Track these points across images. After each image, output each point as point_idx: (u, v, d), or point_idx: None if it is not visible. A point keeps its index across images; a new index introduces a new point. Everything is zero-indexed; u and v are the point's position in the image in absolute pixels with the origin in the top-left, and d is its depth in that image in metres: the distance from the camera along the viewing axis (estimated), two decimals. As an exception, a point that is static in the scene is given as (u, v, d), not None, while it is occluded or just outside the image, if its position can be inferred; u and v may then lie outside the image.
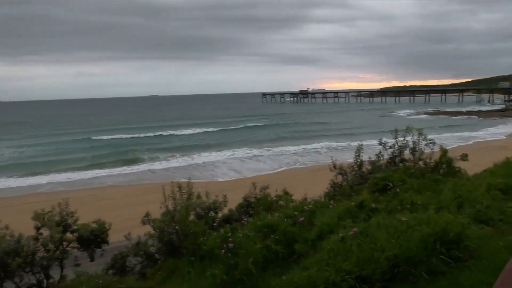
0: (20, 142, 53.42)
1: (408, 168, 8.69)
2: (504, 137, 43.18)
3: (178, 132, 61.57)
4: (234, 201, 9.42)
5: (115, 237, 8.89)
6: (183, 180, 8.02)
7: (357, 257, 3.62)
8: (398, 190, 6.17)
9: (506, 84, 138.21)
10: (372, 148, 11.06)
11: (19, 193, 25.56)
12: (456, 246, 3.69)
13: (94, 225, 7.16)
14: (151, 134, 58.67)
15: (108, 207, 19.20)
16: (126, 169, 32.21)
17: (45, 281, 6.28)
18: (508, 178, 6.77)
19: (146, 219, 6.95)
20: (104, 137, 55.10)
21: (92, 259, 7.08)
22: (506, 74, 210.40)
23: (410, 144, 9.79)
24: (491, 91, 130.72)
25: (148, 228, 7.35)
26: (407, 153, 9.87)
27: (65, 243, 6.53)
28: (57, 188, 26.53)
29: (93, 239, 6.93)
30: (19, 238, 5.98)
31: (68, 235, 6.70)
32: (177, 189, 7.06)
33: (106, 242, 7.22)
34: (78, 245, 6.77)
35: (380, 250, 3.61)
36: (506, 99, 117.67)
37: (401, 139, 9.72)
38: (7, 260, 5.61)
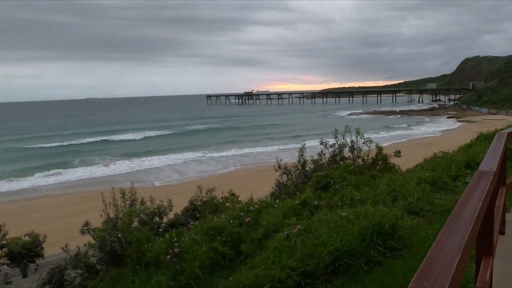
0: None
1: (348, 165, 9.13)
2: (433, 134, 46.89)
3: (119, 137, 58.98)
4: (180, 205, 9.25)
5: (52, 250, 8.33)
6: (125, 186, 7.74)
7: (301, 253, 3.73)
8: (338, 186, 6.45)
9: (433, 85, 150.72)
10: (315, 147, 11.46)
11: None
12: (391, 237, 3.95)
13: (26, 238, 6.63)
14: (89, 140, 55.59)
15: (43, 219, 17.89)
16: (60, 178, 30.19)
17: (-30, 303, 5.72)
18: (435, 171, 7.37)
19: (86, 229, 6.58)
20: (36, 145, 51.25)
21: (25, 275, 6.56)
22: (433, 76, 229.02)
23: (349, 143, 10.29)
24: (421, 92, 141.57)
25: (88, 238, 6.98)
26: (346, 152, 10.35)
27: (-7, 260, 5.99)
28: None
29: (26, 253, 6.43)
30: None
31: (-3, 251, 6.15)
32: (120, 195, 6.79)
33: (41, 255, 6.73)
34: (9, 261, 6.24)
35: (322, 245, 3.76)
36: (434, 99, 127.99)
37: (341, 138, 10.17)
38: None
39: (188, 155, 38.93)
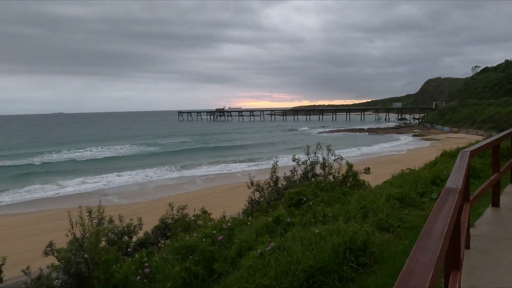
0: None
1: (320, 182, 9.25)
2: (400, 151, 48.44)
3: (84, 153, 57.22)
4: (150, 223, 9.01)
5: (11, 273, 7.86)
6: (92, 204, 7.46)
7: (275, 271, 3.72)
8: (311, 203, 6.51)
9: (398, 104, 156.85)
10: (287, 164, 11.56)
11: None
12: (363, 253, 4.01)
13: (-17, 261, 6.22)
14: (52, 155, 53.56)
15: (1, 239, 16.90)
16: (20, 196, 28.75)
17: None
18: (403, 188, 7.61)
19: (50, 249, 6.25)
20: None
21: (-20, 301, 6.12)
22: (399, 95, 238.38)
23: (321, 160, 10.46)
24: (387, 110, 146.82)
25: (51, 260, 6.64)
26: (318, 168, 10.50)
27: None
28: None
29: (-18, 277, 6.02)
30: None
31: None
32: (87, 214, 6.53)
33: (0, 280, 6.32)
34: (-37, 287, 5.81)
35: (296, 262, 3.76)
36: (400, 117, 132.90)
37: (312, 155, 10.32)
38: None
39: (158, 172, 38.18)
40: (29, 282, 6.53)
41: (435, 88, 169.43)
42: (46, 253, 6.38)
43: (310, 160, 10.40)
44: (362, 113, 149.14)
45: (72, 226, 6.13)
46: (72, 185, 32.30)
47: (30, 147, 65.08)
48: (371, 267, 3.95)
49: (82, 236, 6.08)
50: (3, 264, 6.42)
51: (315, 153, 10.52)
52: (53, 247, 6.26)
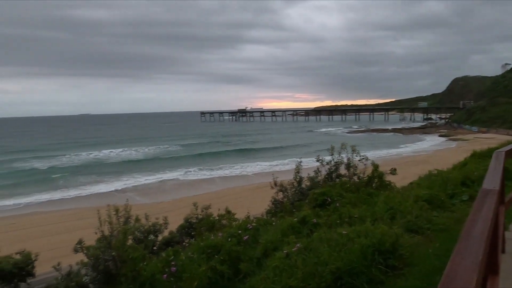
0: None
1: (344, 183, 9.12)
2: (426, 152, 47.27)
3: (108, 154, 58.61)
4: (174, 222, 9.12)
5: (42, 269, 8.12)
6: (119, 203, 7.62)
7: (302, 272, 3.68)
8: (338, 204, 6.42)
9: (424, 104, 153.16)
10: (311, 164, 11.47)
11: None
12: (392, 256, 3.91)
13: (17, 256, 6.47)
14: (83, 156, 55.15)
15: (32, 236, 17.52)
16: (52, 194, 29.75)
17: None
18: (431, 189, 7.39)
19: (79, 247, 6.43)
20: (27, 162, 50.62)
21: (15, 295, 6.37)
22: (424, 94, 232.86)
23: (345, 160, 10.31)
24: (412, 110, 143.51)
25: (81, 257, 6.82)
26: (342, 169, 10.35)
27: (-18, 279, 5.81)
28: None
29: (17, 272, 6.25)
30: None
31: (-14, 270, 5.98)
32: (114, 212, 6.68)
33: (32, 274, 6.55)
34: (-1, 281, 6.06)
35: (323, 264, 3.71)
36: (425, 117, 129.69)
37: (337, 155, 10.18)
38: None
39: (182, 172, 38.68)
40: (59, 278, 6.75)
41: (462, 87, 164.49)
42: (75, 250, 6.57)
43: (335, 161, 10.26)
44: (386, 113, 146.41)
45: (100, 224, 6.29)
46: (98, 185, 33.17)
47: (60, 148, 67.17)
48: (400, 270, 3.85)
49: (110, 234, 6.23)
50: (35, 260, 6.65)
51: (340, 153, 10.38)
52: (82, 244, 6.44)
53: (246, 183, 31.60)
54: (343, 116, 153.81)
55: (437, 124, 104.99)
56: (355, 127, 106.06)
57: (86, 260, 6.49)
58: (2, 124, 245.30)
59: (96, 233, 6.43)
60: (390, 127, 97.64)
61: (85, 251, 6.45)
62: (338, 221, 5.51)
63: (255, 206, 14.22)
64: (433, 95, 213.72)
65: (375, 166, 9.57)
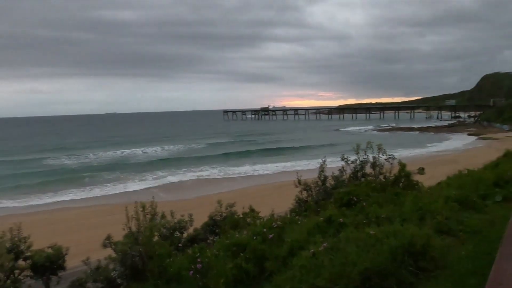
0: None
1: (370, 182, 8.95)
2: (454, 151, 45.89)
3: (136, 151, 59.90)
4: (198, 220, 9.20)
5: (72, 263, 8.37)
6: (145, 200, 7.75)
7: (329, 272, 3.62)
8: (364, 204, 6.31)
9: (452, 102, 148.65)
10: (335, 164, 11.31)
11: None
12: (423, 257, 3.81)
13: (49, 250, 6.68)
14: (110, 154, 56.58)
15: (63, 231, 18.11)
16: (81, 191, 30.67)
17: (-6, 314, 5.76)
18: (462, 190, 7.16)
19: (108, 242, 6.59)
20: (57, 160, 52.37)
21: (47, 287, 6.59)
22: (452, 92, 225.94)
23: (371, 159, 10.11)
24: (439, 108, 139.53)
25: (108, 252, 6.98)
26: (368, 168, 10.17)
27: (17, 272, 6.03)
28: (4, 211, 24.71)
29: (49, 265, 6.46)
30: (-36, 269, 5.46)
31: (21, 262, 6.20)
32: (141, 209, 6.79)
33: (63, 268, 6.76)
34: (32, 273, 6.28)
35: (351, 264, 3.65)
36: (453, 115, 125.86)
37: (362, 154, 10.01)
38: (-51, 293, 5.09)
39: (205, 170, 39.07)
40: (88, 272, 6.94)
41: (492, 84, 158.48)
42: (104, 245, 6.74)
43: (360, 160, 10.09)
44: (412, 111, 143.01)
45: (128, 220, 6.41)
46: (125, 182, 33.96)
47: (89, 147, 69.13)
48: (431, 272, 3.74)
49: (137, 230, 6.34)
50: (66, 254, 6.86)
51: (365, 152, 10.19)
52: (110, 240, 6.59)
53: (269, 182, 31.60)
54: (367, 114, 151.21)
55: (466, 122, 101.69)
56: (379, 125, 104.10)
57: (114, 255, 6.64)
58: (34, 123, 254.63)
59: (123, 229, 6.55)
60: (416, 126, 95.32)
61: (113, 247, 6.61)
62: (364, 221, 5.41)
63: (279, 205, 14.15)
64: (462, 92, 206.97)
65: (402, 165, 9.35)
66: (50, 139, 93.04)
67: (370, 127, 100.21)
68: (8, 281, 5.85)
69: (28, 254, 6.35)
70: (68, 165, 46.85)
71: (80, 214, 22.98)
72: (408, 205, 6.14)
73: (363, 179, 9.95)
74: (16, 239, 6.27)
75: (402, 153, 39.79)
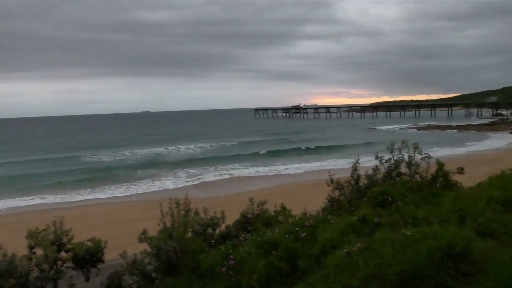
0: (7, 160, 52.56)
1: (406, 182, 8.73)
2: (496, 151, 43.73)
3: (170, 149, 61.33)
4: (230, 217, 9.31)
5: (109, 256, 8.70)
6: (179, 197, 7.91)
7: (364, 273, 3.56)
8: (400, 204, 6.15)
9: (493, 98, 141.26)
10: (368, 163, 11.09)
11: (8, 211, 25.03)
12: (463, 260, 3.65)
13: (89, 243, 6.98)
14: (145, 152, 58.24)
15: (100, 225, 18.85)
16: (118, 187, 31.79)
17: (38, 302, 6.09)
18: (505, 191, 6.81)
19: (143, 237, 6.79)
20: (95, 156, 54.49)
21: (87, 279, 6.88)
22: (493, 88, 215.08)
23: (406, 158, 9.84)
24: (479, 105, 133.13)
25: (144, 246, 7.19)
26: (403, 167, 9.91)
27: (59, 263, 6.35)
28: (47, 206, 26.04)
29: (89, 258, 6.75)
30: (13, 258, 5.80)
31: (63, 254, 6.52)
32: (175, 205, 6.95)
33: (102, 261, 7.03)
34: (73, 265, 6.58)
35: (387, 265, 3.56)
36: (494, 113, 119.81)
37: (397, 153, 9.76)
38: (0, 281, 5.42)
39: (236, 168, 39.40)
40: (125, 265, 7.18)
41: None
42: (140, 240, 6.95)
43: (395, 158, 9.84)
44: (450, 108, 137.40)
45: (162, 216, 6.58)
46: (159, 179, 34.86)
47: (125, 145, 71.48)
48: (472, 276, 3.58)
49: (171, 226, 6.50)
50: (104, 247, 7.13)
51: (400, 151, 9.93)
52: (146, 234, 6.79)
53: (300, 180, 31.43)
54: (402, 112, 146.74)
55: (509, 120, 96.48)
56: (415, 123, 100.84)
57: (149, 249, 6.84)
58: (73, 122, 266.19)
59: (158, 225, 6.74)
60: (454, 124, 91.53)
61: (148, 241, 6.80)
62: (400, 221, 5.27)
63: (310, 203, 14.05)
64: (504, 88, 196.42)
65: (440, 165, 9.04)
66: (88, 137, 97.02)
67: (405, 125, 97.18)
68: (52, 272, 6.16)
69: (70, 246, 6.66)
70: (105, 162, 48.66)
71: (117, 209, 23.84)
72: (447, 206, 5.93)
73: (398, 178, 9.72)
74: (58, 232, 6.59)
75: (439, 152, 38.40)
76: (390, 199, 6.86)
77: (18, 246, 6.51)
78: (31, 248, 6.31)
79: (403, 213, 5.65)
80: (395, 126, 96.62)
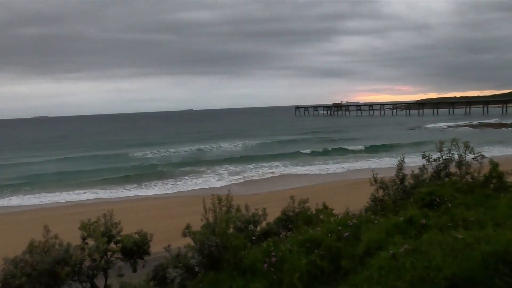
0: (63, 156, 56.02)
1: (455, 182, 8.30)
2: (556, 151, 40.43)
3: (212, 146, 62.54)
4: (270, 214, 9.34)
5: (155, 249, 9.04)
6: (219, 193, 8.05)
7: (411, 275, 3.43)
8: (450, 205, 5.87)
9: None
10: (413, 163, 10.69)
11: (65, 204, 26.76)
12: (521, 267, 3.42)
13: (136, 236, 7.29)
14: (188, 149, 59.78)
15: (146, 219, 19.60)
16: (163, 183, 32.92)
17: (90, 290, 6.46)
18: None
19: (187, 231, 6.98)
20: (140, 153, 56.66)
21: (134, 270, 7.19)
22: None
23: (456, 157, 9.37)
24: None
25: (187, 240, 7.39)
26: (452, 167, 9.44)
27: (109, 253, 6.68)
28: (98, 200, 27.53)
29: (136, 250, 7.05)
30: (68, 248, 6.19)
31: (112, 245, 6.85)
32: (217, 201, 7.07)
33: (148, 253, 7.32)
34: (121, 256, 6.91)
35: (436, 268, 3.41)
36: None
37: (446, 152, 9.31)
38: (56, 268, 5.81)
39: (276, 166, 39.42)
40: (169, 258, 7.43)
41: None
42: (184, 234, 7.14)
43: (444, 158, 9.39)
44: (505, 105, 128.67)
45: (205, 212, 6.72)
46: (201, 175, 35.69)
47: (168, 142, 73.78)
48: (531, 284, 3.35)
49: (214, 221, 6.62)
50: (150, 240, 7.42)
51: (449, 150, 9.46)
52: (190, 229, 6.97)
53: (341, 179, 30.89)
54: (451, 109, 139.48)
55: None
56: (465, 121, 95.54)
57: (192, 244, 7.02)
58: (120, 120, 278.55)
59: (201, 220, 6.89)
60: (509, 122, 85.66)
61: (192, 236, 6.98)
62: (449, 224, 5.03)
63: (352, 203, 13.76)
64: None
65: (494, 165, 8.51)
66: (134, 135, 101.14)
67: (454, 123, 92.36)
68: (102, 262, 6.51)
69: (119, 238, 6.99)
70: (150, 159, 50.55)
71: (161, 205, 24.70)
72: (502, 209, 5.57)
73: (446, 178, 9.28)
74: (108, 224, 6.94)
75: (492, 152, 36.13)
76: (438, 200, 6.56)
77: (73, 236, 6.93)
78: (84, 238, 6.71)
79: (453, 215, 5.39)
80: (443, 124, 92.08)
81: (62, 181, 35.53)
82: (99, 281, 6.75)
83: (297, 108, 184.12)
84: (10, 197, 29.65)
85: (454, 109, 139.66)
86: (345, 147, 53.69)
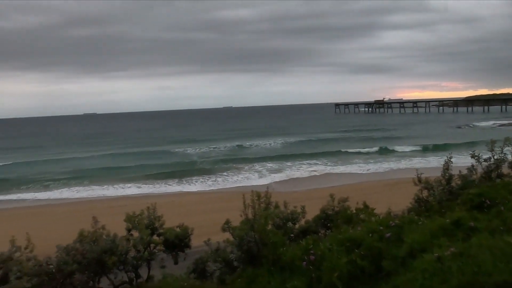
0: (107, 152, 58.70)
1: (508, 184, 7.82)
2: None
3: (251, 143, 62.96)
4: (309, 212, 9.26)
5: (195, 242, 9.26)
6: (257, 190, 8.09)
7: (458, 280, 3.29)
8: (502, 208, 5.54)
9: None
10: (460, 163, 10.17)
11: (108, 197, 28.14)
12: None
13: (178, 229, 7.51)
14: (228, 145, 60.63)
15: (186, 213, 20.14)
16: (203, 179, 33.67)
17: (135, 279, 6.73)
18: None
19: (226, 226, 7.10)
20: (181, 149, 58.17)
21: (176, 263, 7.41)
22: None
23: (509, 157, 8.82)
24: None
25: (227, 235, 7.51)
26: (505, 168, 8.90)
27: (152, 245, 6.93)
28: (141, 194, 28.65)
29: (178, 243, 7.27)
30: (114, 238, 6.49)
31: (155, 237, 7.10)
32: (256, 198, 7.12)
33: (189, 246, 7.52)
34: (164, 248, 7.14)
35: (485, 274, 3.25)
36: None
37: (498, 152, 8.79)
38: (104, 257, 6.11)
39: (315, 164, 39.04)
40: (209, 252, 7.59)
41: None
42: (223, 229, 7.27)
43: (495, 158, 8.87)
44: None
45: (245, 208, 6.79)
46: (240, 172, 36.10)
47: (209, 139, 75.17)
48: None
49: (253, 217, 6.68)
50: (191, 234, 7.61)
51: (502, 149, 8.92)
52: (229, 224, 7.09)
53: (383, 178, 30.04)
54: (503, 106, 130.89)
55: None
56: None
57: (232, 239, 7.13)
58: (163, 117, 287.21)
59: (240, 216, 6.97)
60: None
61: (231, 231, 7.09)
62: (501, 227, 4.75)
63: (394, 203, 13.34)
64: None
65: (552, 166, 7.92)
66: (175, 131, 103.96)
67: (507, 121, 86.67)
68: (146, 253, 6.77)
69: (161, 231, 7.23)
70: (191, 155, 51.80)
71: (201, 200, 25.27)
72: (561, 213, 5.18)
73: (498, 180, 8.76)
74: (152, 217, 7.20)
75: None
76: (489, 202, 6.22)
77: (118, 228, 7.27)
78: (129, 230, 7.00)
79: (505, 218, 5.08)
80: (495, 122, 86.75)
81: (109, 175, 37.31)
82: (143, 271, 7.02)
83: (337, 105, 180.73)
84: (62, 190, 31.60)
85: (507, 107, 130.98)
86: (387, 146, 52.07)
